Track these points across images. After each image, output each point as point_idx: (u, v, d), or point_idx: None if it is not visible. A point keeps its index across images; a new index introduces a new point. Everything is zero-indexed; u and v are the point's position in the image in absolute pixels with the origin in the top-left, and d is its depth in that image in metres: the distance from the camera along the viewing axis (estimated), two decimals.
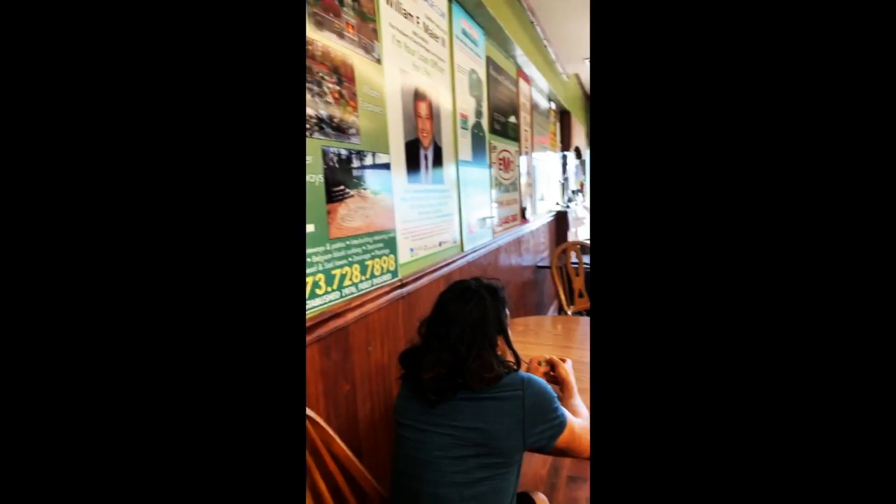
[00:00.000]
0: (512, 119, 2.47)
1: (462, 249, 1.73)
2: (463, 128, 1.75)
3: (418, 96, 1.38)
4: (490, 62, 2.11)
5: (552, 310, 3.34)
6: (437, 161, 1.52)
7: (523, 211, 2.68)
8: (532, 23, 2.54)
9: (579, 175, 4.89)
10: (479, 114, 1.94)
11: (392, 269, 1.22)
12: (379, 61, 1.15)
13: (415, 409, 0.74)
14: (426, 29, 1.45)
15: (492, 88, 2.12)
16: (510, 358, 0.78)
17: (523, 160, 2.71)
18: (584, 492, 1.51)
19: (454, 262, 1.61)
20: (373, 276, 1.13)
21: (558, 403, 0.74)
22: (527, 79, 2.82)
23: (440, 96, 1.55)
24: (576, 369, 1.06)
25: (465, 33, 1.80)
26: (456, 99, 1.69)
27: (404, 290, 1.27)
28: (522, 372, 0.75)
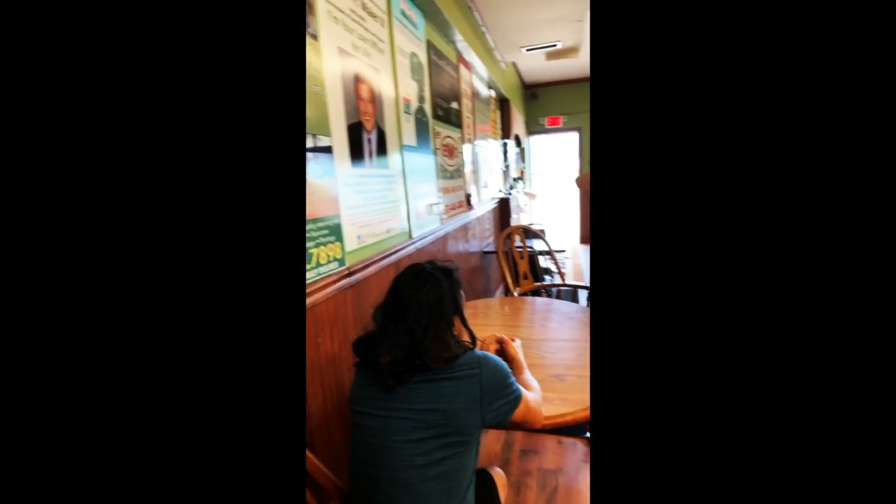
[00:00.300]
0: (454, 105, 2.47)
1: (410, 236, 1.72)
2: (406, 112, 1.72)
3: (359, 77, 1.33)
4: (431, 46, 2.08)
5: (499, 293, 3.43)
6: (382, 146, 1.48)
7: (468, 198, 2.70)
8: (470, 8, 2.54)
9: (519, 163, 5.03)
10: (421, 99, 1.92)
11: (339, 257, 1.17)
12: (315, 37, 1.09)
13: (371, 396, 0.72)
14: (364, 7, 1.40)
15: (433, 73, 2.10)
16: (466, 338, 0.79)
17: (467, 147, 2.73)
18: (535, 463, 1.58)
19: (403, 248, 1.59)
20: (318, 264, 1.08)
21: (513, 379, 0.76)
22: (467, 65, 2.83)
23: (382, 79, 1.50)
24: (525, 346, 1.09)
25: (403, 14, 1.76)
26: (398, 82, 1.65)
27: (352, 278, 1.23)
28: (478, 350, 0.76)
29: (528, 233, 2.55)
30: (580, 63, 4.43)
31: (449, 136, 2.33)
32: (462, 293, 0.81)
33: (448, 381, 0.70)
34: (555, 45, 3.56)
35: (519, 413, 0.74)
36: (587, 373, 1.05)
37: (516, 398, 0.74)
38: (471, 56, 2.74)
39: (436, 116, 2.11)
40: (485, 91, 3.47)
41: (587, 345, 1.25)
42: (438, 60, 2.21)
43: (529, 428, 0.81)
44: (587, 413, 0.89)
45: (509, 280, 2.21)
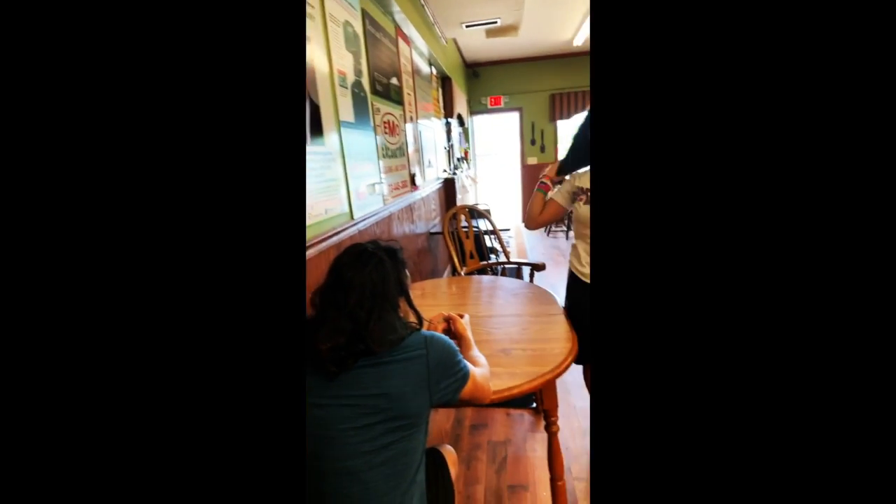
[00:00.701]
0: (394, 81, 2.38)
1: (352, 217, 1.64)
2: (342, 86, 1.62)
3: None
4: (366, 16, 1.97)
5: (447, 273, 3.45)
6: (316, 121, 1.38)
7: (413, 177, 2.65)
8: None
9: (463, 143, 5.02)
10: (358, 72, 1.82)
11: None
12: None
13: (313, 385, 0.68)
14: None
15: (370, 45, 1.99)
16: (413, 319, 0.77)
17: (409, 125, 2.65)
18: (485, 436, 1.62)
19: (344, 230, 1.52)
20: None
21: (460, 357, 0.75)
22: (406, 39, 2.73)
23: (312, 48, 1.39)
24: (472, 323, 1.10)
25: None
26: (331, 53, 1.54)
27: None
28: (424, 331, 0.74)
29: (474, 213, 2.56)
30: (520, 42, 4.45)
31: (390, 114, 2.25)
32: (407, 273, 0.78)
33: (394, 363, 0.68)
34: (495, 22, 3.53)
35: (467, 390, 0.74)
36: (532, 346, 1.08)
37: (464, 376, 0.74)
38: (410, 30, 2.64)
39: (375, 92, 2.01)
40: (426, 68, 3.39)
41: (531, 318, 1.28)
42: (375, 32, 2.10)
43: (478, 403, 0.81)
44: (533, 384, 0.91)
45: (456, 260, 2.21)
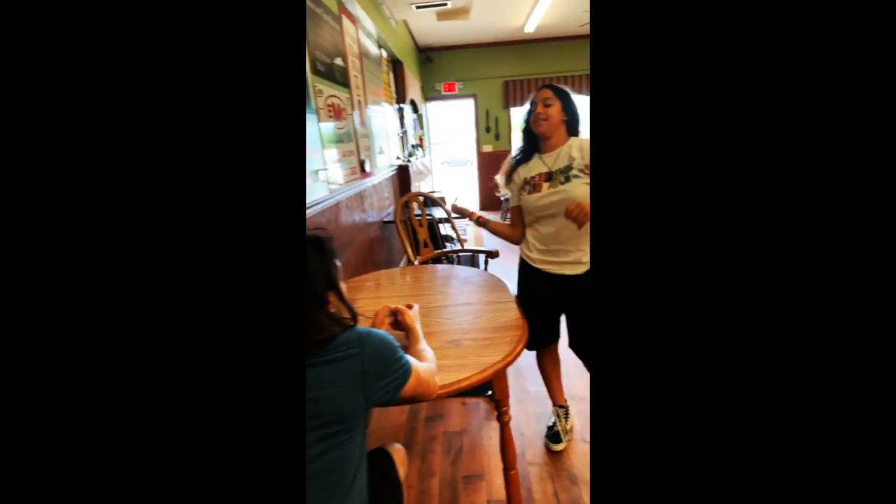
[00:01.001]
0: (338, 62, 2.25)
1: None
2: None
3: None
4: None
5: (403, 262, 3.38)
6: None
7: (362, 164, 2.54)
8: None
9: (417, 129, 4.91)
10: None
11: None
12: None
13: None
14: None
15: (309, 21, 1.85)
16: (346, 315, 0.70)
17: (357, 110, 2.53)
18: (440, 428, 1.60)
19: None
20: None
21: (401, 352, 0.70)
22: (351, 18, 2.58)
23: None
24: (423, 314, 1.05)
25: None
26: None
27: None
28: (360, 327, 0.68)
29: (427, 200, 2.50)
30: (473, 27, 4.39)
31: (334, 96, 2.12)
32: (338, 263, 0.71)
33: (325, 364, 0.61)
34: (445, 4, 3.44)
35: (410, 387, 0.69)
36: (482, 335, 1.04)
37: (405, 372, 0.68)
38: (355, 8, 2.50)
39: (316, 72, 1.88)
40: (375, 50, 3.24)
41: (483, 307, 1.25)
42: (315, 7, 1.96)
43: (423, 400, 0.77)
44: (482, 376, 0.88)
45: (409, 249, 2.15)
